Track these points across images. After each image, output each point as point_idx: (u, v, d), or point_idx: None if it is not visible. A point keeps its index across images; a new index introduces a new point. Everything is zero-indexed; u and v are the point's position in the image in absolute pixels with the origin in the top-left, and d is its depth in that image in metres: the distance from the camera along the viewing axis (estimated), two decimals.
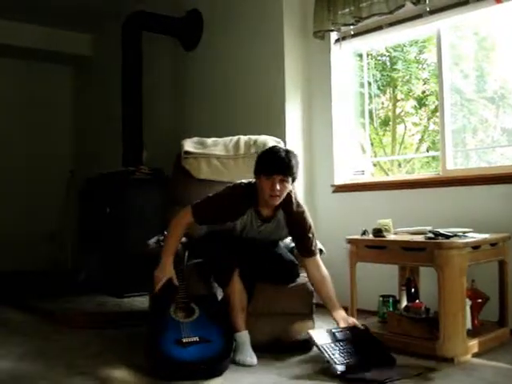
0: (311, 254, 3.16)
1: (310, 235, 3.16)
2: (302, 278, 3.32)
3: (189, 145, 3.86)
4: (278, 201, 3.02)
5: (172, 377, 2.68)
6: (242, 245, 3.16)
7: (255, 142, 3.80)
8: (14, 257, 6.61)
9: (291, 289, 3.27)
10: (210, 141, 3.85)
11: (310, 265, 3.17)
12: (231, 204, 3.09)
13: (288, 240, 3.46)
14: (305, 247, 3.17)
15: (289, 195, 3.10)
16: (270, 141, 3.91)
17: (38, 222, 7.03)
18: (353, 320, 3.09)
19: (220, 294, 3.16)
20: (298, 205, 3.17)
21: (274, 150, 3.10)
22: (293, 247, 3.39)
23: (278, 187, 2.95)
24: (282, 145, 3.94)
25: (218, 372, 2.72)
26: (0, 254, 6.51)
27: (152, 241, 3.47)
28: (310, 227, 3.17)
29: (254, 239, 3.19)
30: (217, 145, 3.73)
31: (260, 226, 3.15)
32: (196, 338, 2.78)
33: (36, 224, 7.01)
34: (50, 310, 4.34)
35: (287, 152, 3.06)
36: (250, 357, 2.92)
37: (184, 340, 2.76)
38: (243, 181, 3.20)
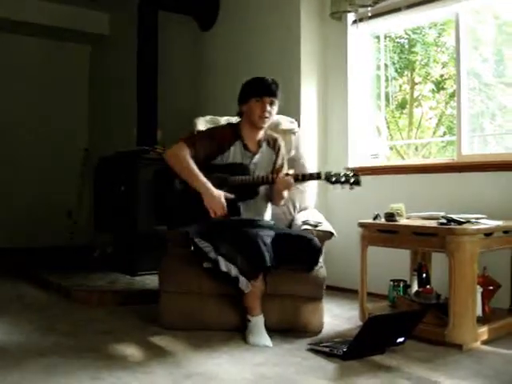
0: None
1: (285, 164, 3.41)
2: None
3: (202, 123, 3.87)
4: (267, 122, 3.24)
5: None
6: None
7: None
8: (29, 233, 6.69)
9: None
10: (222, 119, 3.86)
11: None
12: (219, 133, 3.32)
13: (299, 222, 3.46)
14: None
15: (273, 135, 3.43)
16: (284, 120, 3.90)
17: (54, 198, 7.08)
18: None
19: None
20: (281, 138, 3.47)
21: (261, 77, 3.27)
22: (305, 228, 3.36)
23: (268, 108, 3.16)
24: (295, 125, 3.92)
25: None
26: (16, 230, 6.60)
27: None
28: (284, 158, 3.42)
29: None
30: None
31: (252, 158, 3.29)
32: None
33: (52, 200, 7.06)
34: (64, 286, 4.37)
35: (272, 78, 3.24)
36: (265, 339, 2.95)
37: None
38: None
